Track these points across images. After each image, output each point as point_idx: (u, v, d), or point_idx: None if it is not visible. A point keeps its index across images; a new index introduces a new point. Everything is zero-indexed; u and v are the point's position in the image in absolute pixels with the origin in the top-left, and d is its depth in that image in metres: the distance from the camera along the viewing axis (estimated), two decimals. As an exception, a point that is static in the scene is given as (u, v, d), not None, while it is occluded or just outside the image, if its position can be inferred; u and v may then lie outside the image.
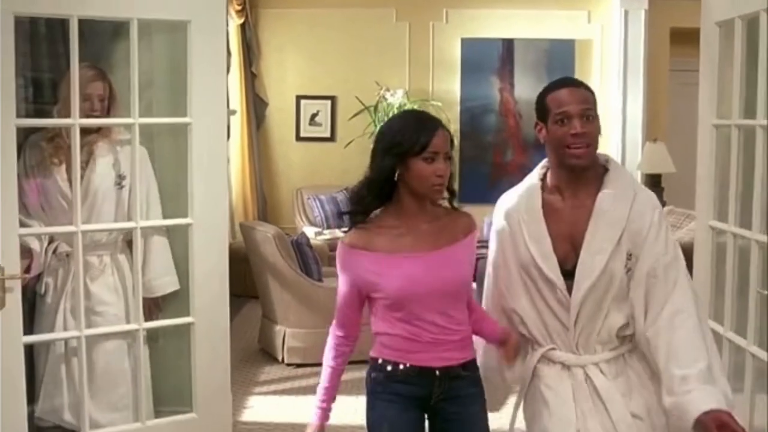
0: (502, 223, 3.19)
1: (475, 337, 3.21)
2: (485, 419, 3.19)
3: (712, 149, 4.41)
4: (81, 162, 4.28)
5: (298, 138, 10.88)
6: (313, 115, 10.86)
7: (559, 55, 10.66)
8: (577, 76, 10.53)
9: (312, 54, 10.73)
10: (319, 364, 6.54)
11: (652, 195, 3.10)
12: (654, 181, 9.91)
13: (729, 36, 4.24)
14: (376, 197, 3.05)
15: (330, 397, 3.17)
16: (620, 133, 10.46)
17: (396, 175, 3.00)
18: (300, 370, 6.69)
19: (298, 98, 10.81)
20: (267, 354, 7.07)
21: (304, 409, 5.72)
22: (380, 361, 3.10)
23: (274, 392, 6.31)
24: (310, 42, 10.71)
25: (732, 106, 4.24)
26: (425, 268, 3.01)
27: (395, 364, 3.08)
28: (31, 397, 4.38)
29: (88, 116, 4.32)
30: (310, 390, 6.12)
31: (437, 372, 3.07)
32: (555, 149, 3.03)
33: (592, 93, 3.05)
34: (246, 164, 10.36)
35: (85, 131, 4.37)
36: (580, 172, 3.03)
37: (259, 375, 6.64)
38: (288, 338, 6.83)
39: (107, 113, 4.40)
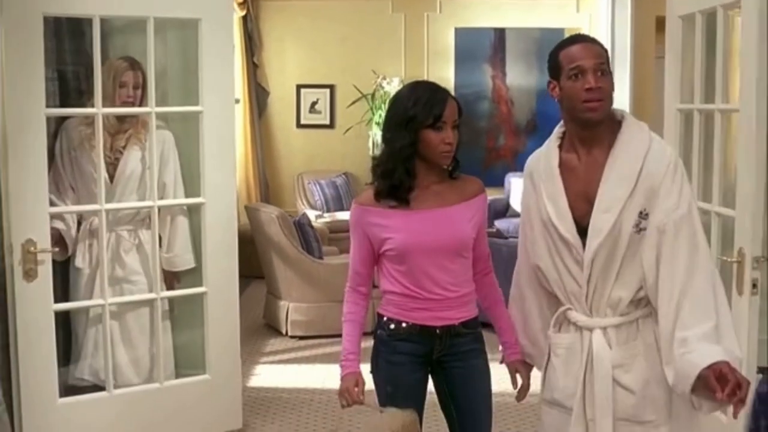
0: (526, 182, 3.20)
1: (513, 307, 3.33)
2: (487, 372, 3.33)
3: (677, 131, 4.82)
4: (119, 147, 4.78)
5: (299, 125, 11.25)
6: (313, 103, 11.23)
7: (549, 44, 10.71)
8: (566, 63, 10.95)
9: (311, 44, 11.09)
10: (321, 336, 7.11)
11: (667, 148, 2.98)
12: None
13: (690, 28, 4.65)
14: (405, 172, 3.16)
15: (356, 349, 3.27)
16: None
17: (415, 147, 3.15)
18: (302, 342, 7.16)
19: (299, 87, 11.18)
20: (271, 328, 7.52)
21: (306, 376, 6.28)
22: (385, 318, 3.26)
23: (279, 362, 6.77)
24: (310, 33, 11.06)
25: (694, 92, 4.66)
26: (430, 222, 3.16)
27: (398, 322, 3.23)
28: (67, 359, 4.85)
29: (124, 102, 4.76)
30: (313, 359, 6.68)
31: (438, 330, 3.22)
32: (569, 105, 2.98)
33: (604, 49, 2.99)
34: (249, 151, 10.75)
35: (123, 119, 4.84)
36: (594, 128, 2.97)
37: (264, 347, 7.09)
38: (291, 312, 7.28)
39: (140, 102, 4.83)
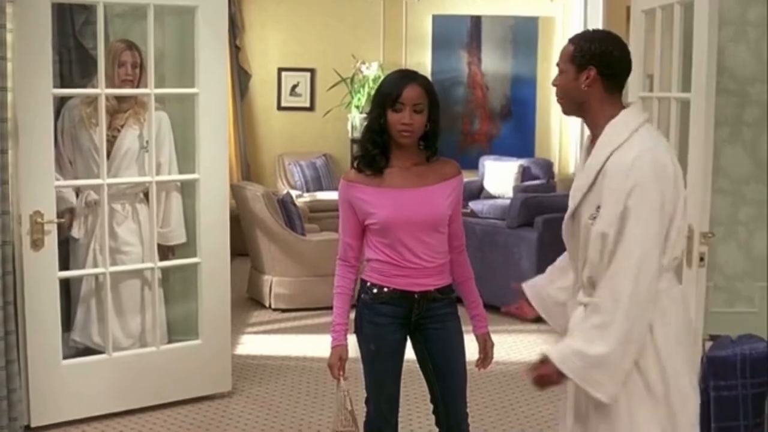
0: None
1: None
2: (461, 333, 3.64)
3: (639, 117, 5.20)
4: (117, 125, 5.13)
5: (280, 107, 11.51)
6: (294, 86, 11.49)
7: (524, 32, 11.34)
8: (540, 51, 11.28)
9: (293, 29, 11.34)
10: (303, 309, 7.45)
11: (631, 161, 2.87)
12: (609, 149, 10.66)
13: (651, 22, 5.02)
14: (376, 147, 3.50)
15: (344, 321, 3.59)
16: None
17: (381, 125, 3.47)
18: (285, 314, 7.54)
19: (280, 70, 11.43)
20: (256, 301, 7.88)
21: (290, 345, 6.64)
22: (368, 284, 3.58)
23: (263, 332, 7.14)
24: (291, 17, 11.31)
25: (654, 82, 5.04)
26: (411, 200, 3.48)
27: (380, 287, 3.56)
28: (67, 324, 5.20)
29: (123, 81, 5.10)
30: (295, 330, 7.06)
31: (416, 295, 3.55)
32: None
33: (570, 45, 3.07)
34: (231, 132, 11.01)
35: (123, 99, 5.19)
36: (584, 118, 3.10)
37: (249, 319, 7.44)
38: (274, 286, 7.64)
39: (138, 81, 5.17)
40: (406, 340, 3.67)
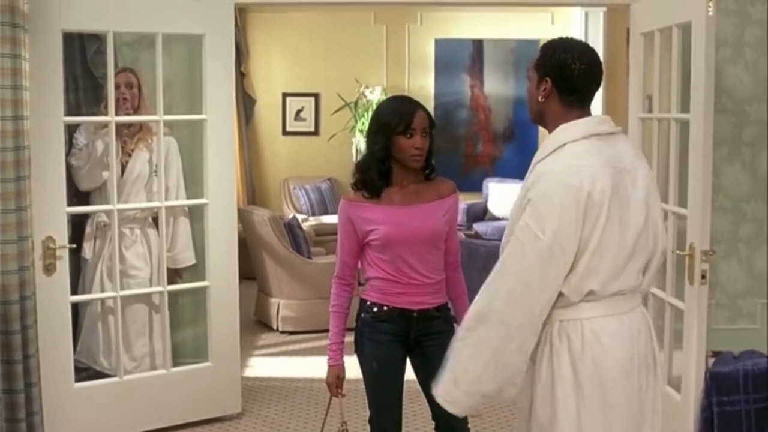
0: None
1: None
2: None
3: (639, 138, 5.27)
4: (128, 150, 5.23)
5: (285, 132, 11.60)
6: (298, 111, 11.59)
7: (525, 54, 11.39)
8: (541, 73, 11.36)
9: (297, 54, 11.44)
10: (310, 332, 7.53)
11: (545, 173, 2.81)
12: (611, 170, 10.73)
13: (650, 44, 5.11)
14: (380, 174, 3.61)
15: (340, 340, 3.73)
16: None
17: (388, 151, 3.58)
18: (293, 337, 7.61)
19: (284, 95, 11.53)
20: (263, 324, 7.95)
21: (298, 367, 6.69)
22: (368, 302, 3.68)
23: (271, 354, 7.19)
24: (295, 43, 11.42)
25: (653, 102, 5.13)
26: (410, 216, 3.60)
27: (380, 306, 3.66)
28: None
29: (118, 100, 5.18)
30: (302, 352, 7.12)
31: (415, 314, 3.65)
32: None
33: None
34: (237, 157, 11.08)
35: (130, 124, 5.33)
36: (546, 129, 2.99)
37: (256, 341, 7.51)
38: (282, 309, 7.72)
39: (137, 103, 5.30)
40: (406, 358, 3.75)
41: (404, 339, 3.69)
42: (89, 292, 5.37)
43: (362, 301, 3.76)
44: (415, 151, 3.56)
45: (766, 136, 5.51)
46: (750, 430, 4.41)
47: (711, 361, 4.63)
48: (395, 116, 3.57)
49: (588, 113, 2.93)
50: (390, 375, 3.70)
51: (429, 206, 3.65)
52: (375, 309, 3.68)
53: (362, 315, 3.74)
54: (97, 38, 5.42)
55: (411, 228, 3.60)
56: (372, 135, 3.65)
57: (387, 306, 3.67)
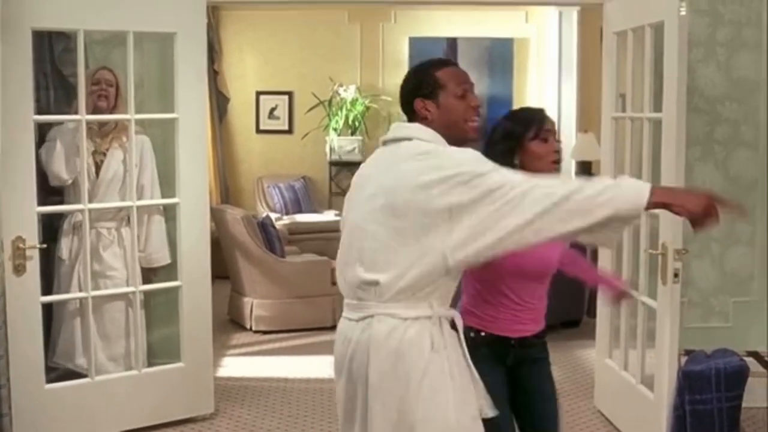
0: None
1: None
2: (552, 377, 3.50)
3: (612, 137, 5.29)
4: (103, 149, 5.20)
5: (258, 130, 11.53)
6: (272, 109, 11.53)
7: (499, 53, 11.44)
8: (516, 72, 11.38)
9: (270, 53, 11.39)
10: (283, 331, 7.47)
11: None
12: (585, 168, 10.75)
13: (623, 44, 5.13)
14: None
15: None
16: (556, 124, 11.10)
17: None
18: (266, 336, 7.57)
19: (258, 94, 11.47)
20: (236, 323, 7.91)
21: (271, 367, 6.66)
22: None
23: (245, 354, 7.16)
24: (269, 41, 11.36)
25: (626, 102, 5.15)
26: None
27: (477, 332, 3.33)
28: (48, 345, 5.23)
29: (99, 96, 5.18)
30: (276, 352, 7.11)
31: (512, 341, 3.36)
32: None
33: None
34: (210, 155, 11.05)
35: (103, 123, 5.28)
36: None
37: (230, 341, 7.47)
38: (255, 308, 7.68)
39: (114, 102, 5.26)
40: (506, 381, 3.45)
41: (502, 364, 3.42)
42: (66, 292, 5.31)
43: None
44: (555, 156, 3.29)
45: (744, 136, 5.54)
46: (722, 428, 4.44)
47: (684, 359, 4.67)
48: (520, 123, 3.33)
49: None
50: (502, 402, 3.29)
51: None
52: (472, 334, 3.31)
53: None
54: (66, 36, 5.37)
55: (523, 258, 3.15)
56: (493, 146, 3.35)
57: (484, 332, 3.38)
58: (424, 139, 2.92)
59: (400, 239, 2.78)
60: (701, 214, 2.65)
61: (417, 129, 2.96)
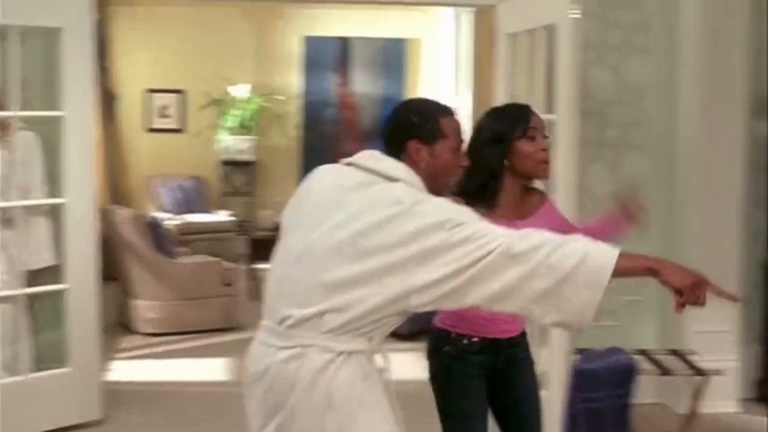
0: None
1: None
2: (536, 376, 3.45)
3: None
4: None
5: (149, 129, 11.31)
6: (163, 108, 11.33)
7: (393, 53, 11.49)
8: (408, 72, 11.41)
9: (162, 50, 11.16)
10: (173, 333, 7.33)
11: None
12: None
13: (516, 45, 5.16)
14: (494, 191, 3.19)
15: None
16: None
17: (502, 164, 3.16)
18: (155, 339, 7.42)
19: (148, 91, 11.25)
20: (125, 326, 7.73)
21: (161, 371, 6.54)
22: (453, 334, 3.24)
23: (134, 357, 7.01)
24: (161, 39, 11.14)
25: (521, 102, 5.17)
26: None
27: (469, 337, 3.23)
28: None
29: None
30: (166, 355, 6.97)
31: (504, 342, 3.28)
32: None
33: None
34: (99, 155, 10.77)
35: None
36: None
37: (118, 344, 7.29)
38: (144, 311, 7.53)
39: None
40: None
41: (491, 370, 3.33)
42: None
43: (444, 332, 3.31)
44: (543, 155, 3.17)
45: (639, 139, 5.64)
46: (614, 424, 4.51)
47: (575, 358, 4.72)
48: (507, 122, 3.20)
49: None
50: (481, 417, 3.30)
51: (532, 220, 3.18)
52: (464, 341, 3.27)
53: (445, 348, 3.31)
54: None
55: None
56: (478, 145, 3.20)
57: (477, 337, 3.27)
58: (412, 184, 2.75)
59: (361, 277, 2.61)
60: (689, 287, 2.56)
61: (406, 172, 2.77)
